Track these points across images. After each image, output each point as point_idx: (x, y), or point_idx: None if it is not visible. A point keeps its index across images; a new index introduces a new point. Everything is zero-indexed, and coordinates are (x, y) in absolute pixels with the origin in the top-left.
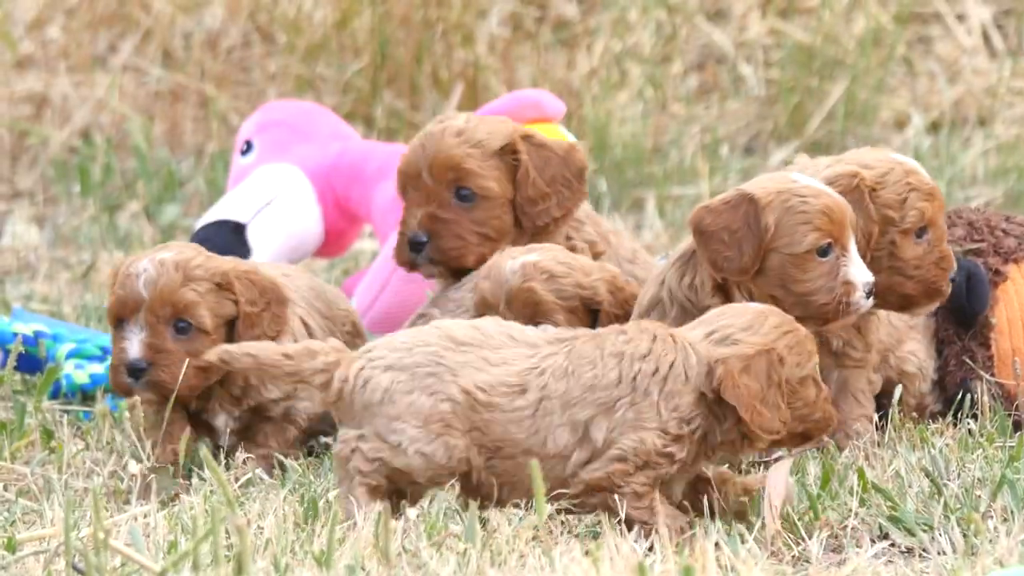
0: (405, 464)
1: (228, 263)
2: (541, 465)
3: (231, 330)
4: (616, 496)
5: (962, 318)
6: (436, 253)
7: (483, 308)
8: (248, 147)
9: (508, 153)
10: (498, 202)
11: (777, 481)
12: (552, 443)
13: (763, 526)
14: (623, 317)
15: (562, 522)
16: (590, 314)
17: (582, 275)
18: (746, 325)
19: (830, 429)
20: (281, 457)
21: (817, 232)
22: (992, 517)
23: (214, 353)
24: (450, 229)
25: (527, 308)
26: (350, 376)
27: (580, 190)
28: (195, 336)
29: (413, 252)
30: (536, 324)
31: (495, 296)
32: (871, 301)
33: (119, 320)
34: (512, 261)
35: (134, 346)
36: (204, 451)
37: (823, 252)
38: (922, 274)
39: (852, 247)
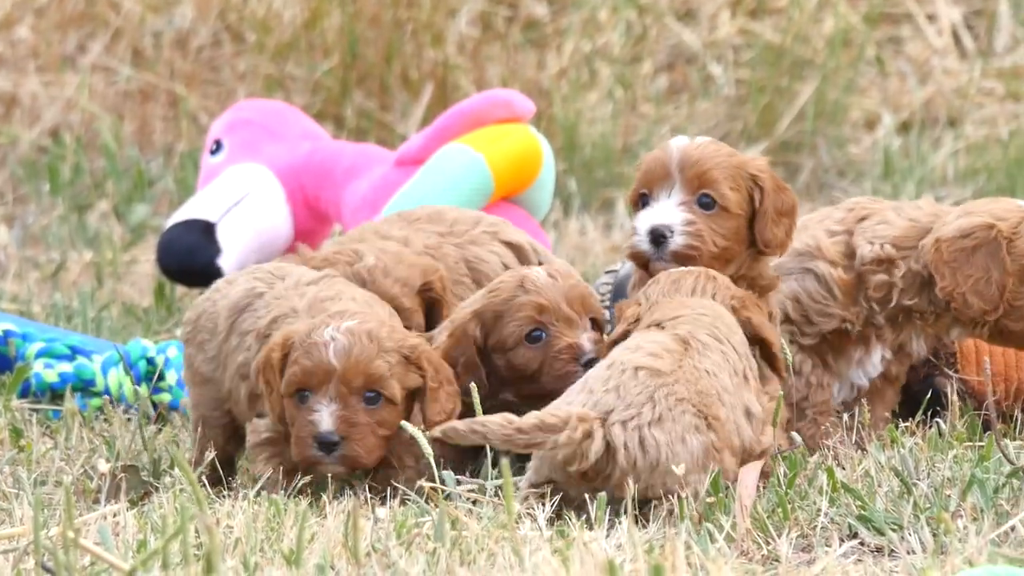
0: None
1: (414, 337)
2: None
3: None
4: None
5: None
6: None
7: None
8: (218, 146)
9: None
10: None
11: (748, 480)
12: None
13: (734, 525)
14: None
15: (532, 519)
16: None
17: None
18: None
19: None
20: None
21: None
22: (962, 516)
23: (442, 430)
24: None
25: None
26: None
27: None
28: (383, 407)
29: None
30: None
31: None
32: None
33: (303, 390)
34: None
35: (325, 419)
36: (175, 451)
37: None
38: None
39: None
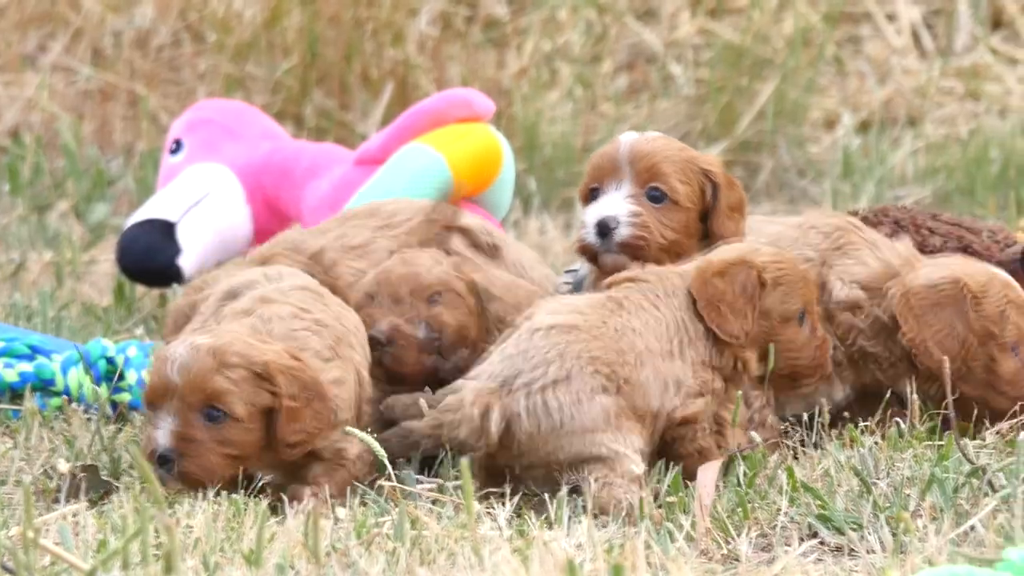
0: None
1: (271, 352)
2: None
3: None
4: None
5: None
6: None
7: None
8: (178, 146)
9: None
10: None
11: (707, 480)
12: None
13: (693, 524)
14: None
15: (491, 518)
16: None
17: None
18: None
19: (817, 376)
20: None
21: None
22: (921, 516)
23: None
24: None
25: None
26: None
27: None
28: (228, 425)
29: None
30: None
31: None
32: None
33: (151, 406)
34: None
35: (161, 435)
36: (135, 451)
37: None
38: (1016, 391)
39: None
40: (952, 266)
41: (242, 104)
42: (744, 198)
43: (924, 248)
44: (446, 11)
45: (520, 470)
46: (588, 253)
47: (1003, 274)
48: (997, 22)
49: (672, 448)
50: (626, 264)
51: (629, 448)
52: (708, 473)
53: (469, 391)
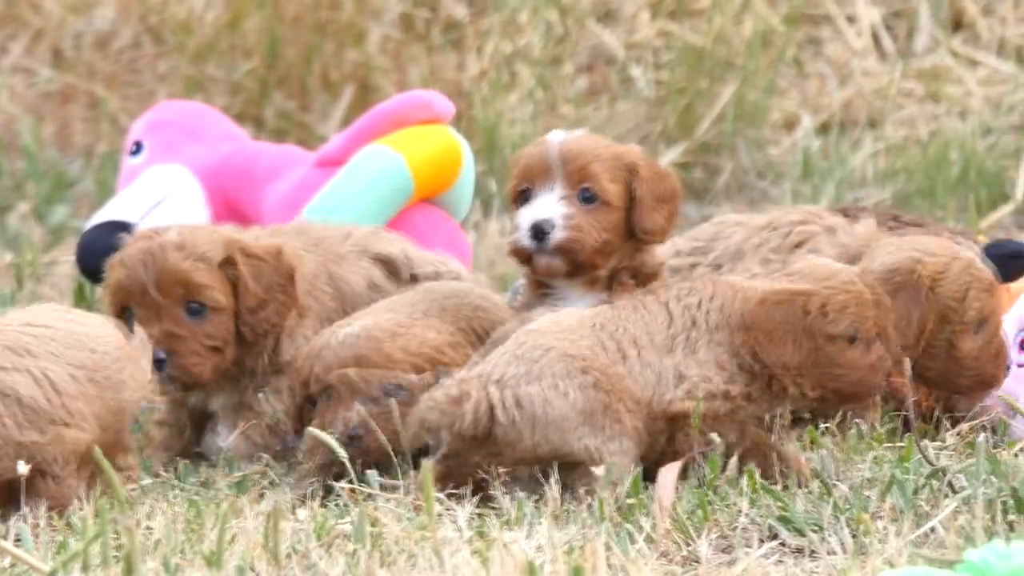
0: None
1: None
2: None
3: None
4: None
5: None
6: (176, 370)
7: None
8: (138, 148)
9: (228, 265)
10: (226, 314)
11: (667, 481)
12: None
13: (654, 526)
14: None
15: (452, 520)
16: None
17: None
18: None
19: (866, 400)
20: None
21: None
22: (881, 517)
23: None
24: (187, 345)
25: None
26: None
27: (293, 293)
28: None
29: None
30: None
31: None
32: None
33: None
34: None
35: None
36: (96, 450)
37: None
38: (979, 367)
39: None
40: (911, 248)
41: (202, 106)
42: (676, 189)
43: None
44: (406, 13)
45: (502, 467)
46: (522, 256)
47: (967, 253)
48: (958, 24)
49: (671, 443)
50: (560, 267)
51: (606, 447)
52: (668, 475)
53: (457, 377)
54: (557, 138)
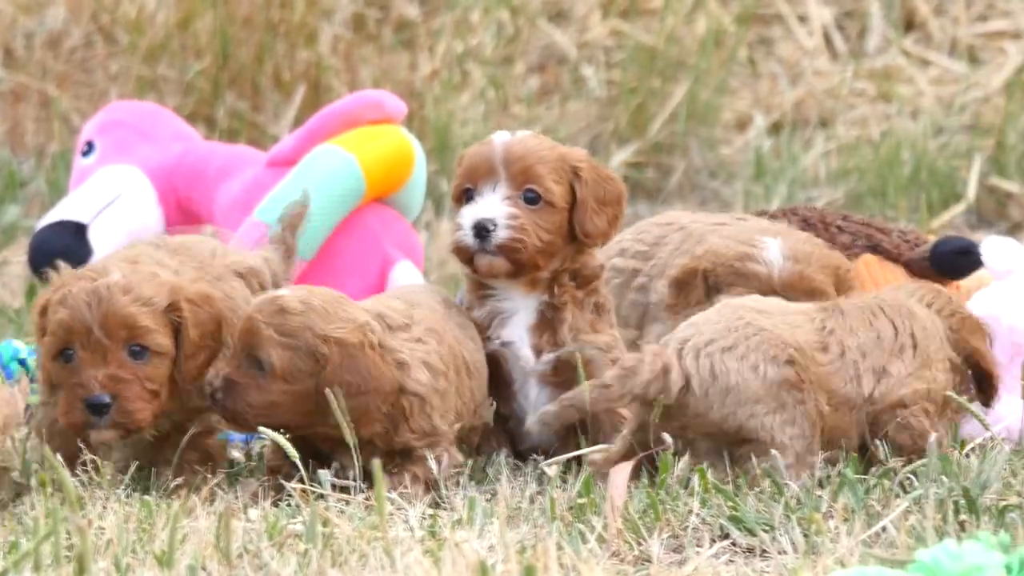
0: None
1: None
2: None
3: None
4: None
5: None
6: (121, 415)
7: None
8: (90, 148)
9: (172, 311)
10: (167, 358)
11: (619, 481)
12: None
13: (605, 526)
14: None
15: (403, 521)
16: None
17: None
18: None
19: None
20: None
21: None
22: (833, 517)
23: (539, 418)
24: (132, 389)
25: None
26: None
27: (222, 340)
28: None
29: (95, 415)
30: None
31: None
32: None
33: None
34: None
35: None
36: (46, 450)
37: None
38: None
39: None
40: (712, 243)
41: (154, 106)
42: (620, 193)
43: (833, 246)
44: (358, 13)
45: (693, 438)
46: (464, 255)
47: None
48: (909, 24)
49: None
50: (502, 266)
51: (786, 431)
52: (620, 474)
53: (648, 352)
54: (502, 138)
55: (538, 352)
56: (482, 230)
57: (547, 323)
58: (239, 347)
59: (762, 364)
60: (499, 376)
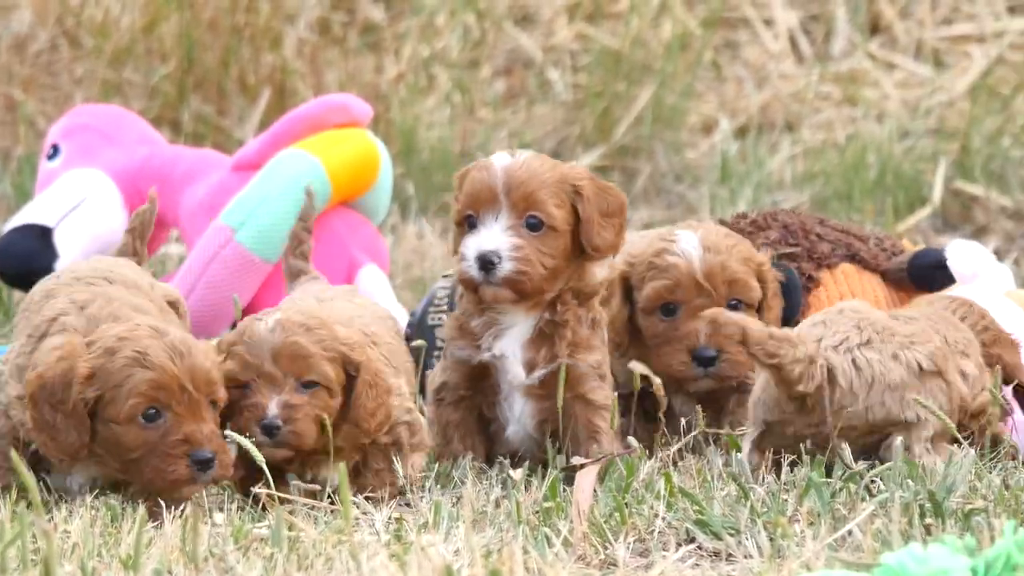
0: None
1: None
2: None
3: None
4: None
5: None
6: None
7: (245, 371)
8: (55, 151)
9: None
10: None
11: (585, 484)
12: None
13: (571, 529)
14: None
15: (369, 525)
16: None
17: (334, 329)
18: None
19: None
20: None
21: None
22: (799, 521)
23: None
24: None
25: (295, 362)
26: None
27: None
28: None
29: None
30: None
31: (257, 357)
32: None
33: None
34: (265, 320)
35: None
36: (12, 453)
37: None
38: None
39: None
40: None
41: (119, 109)
42: (622, 202)
43: (813, 255)
44: (324, 17)
45: (821, 437)
46: (469, 285)
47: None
48: (875, 28)
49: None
50: (508, 296)
51: (931, 410)
52: (586, 478)
53: (799, 335)
54: (502, 162)
55: (531, 367)
56: (487, 263)
57: (545, 338)
58: (282, 373)
59: (901, 352)
60: (487, 383)
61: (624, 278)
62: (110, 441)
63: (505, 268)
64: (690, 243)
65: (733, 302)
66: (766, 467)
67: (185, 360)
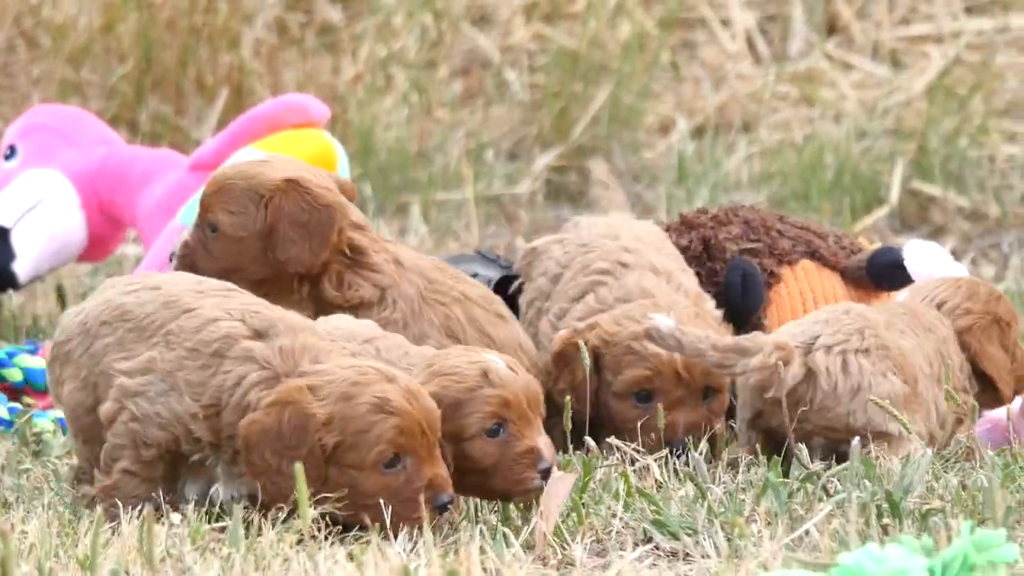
0: None
1: None
2: None
3: None
4: None
5: (735, 318)
6: None
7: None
8: (12, 152)
9: None
10: None
11: (560, 490)
12: None
13: (532, 532)
14: None
15: (327, 526)
16: None
17: None
18: None
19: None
20: None
21: None
22: (756, 521)
23: (648, 327)
24: None
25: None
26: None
27: None
28: None
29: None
30: None
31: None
32: None
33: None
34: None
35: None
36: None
37: None
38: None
39: None
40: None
41: (77, 109)
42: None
43: (774, 251)
44: (281, 17)
45: (802, 432)
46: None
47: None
48: (832, 28)
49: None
50: None
51: (915, 431)
52: (562, 485)
53: (769, 340)
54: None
55: None
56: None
57: None
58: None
59: (890, 373)
60: None
61: (594, 352)
62: (343, 486)
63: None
64: (667, 325)
65: (708, 388)
66: (762, 447)
67: (420, 402)
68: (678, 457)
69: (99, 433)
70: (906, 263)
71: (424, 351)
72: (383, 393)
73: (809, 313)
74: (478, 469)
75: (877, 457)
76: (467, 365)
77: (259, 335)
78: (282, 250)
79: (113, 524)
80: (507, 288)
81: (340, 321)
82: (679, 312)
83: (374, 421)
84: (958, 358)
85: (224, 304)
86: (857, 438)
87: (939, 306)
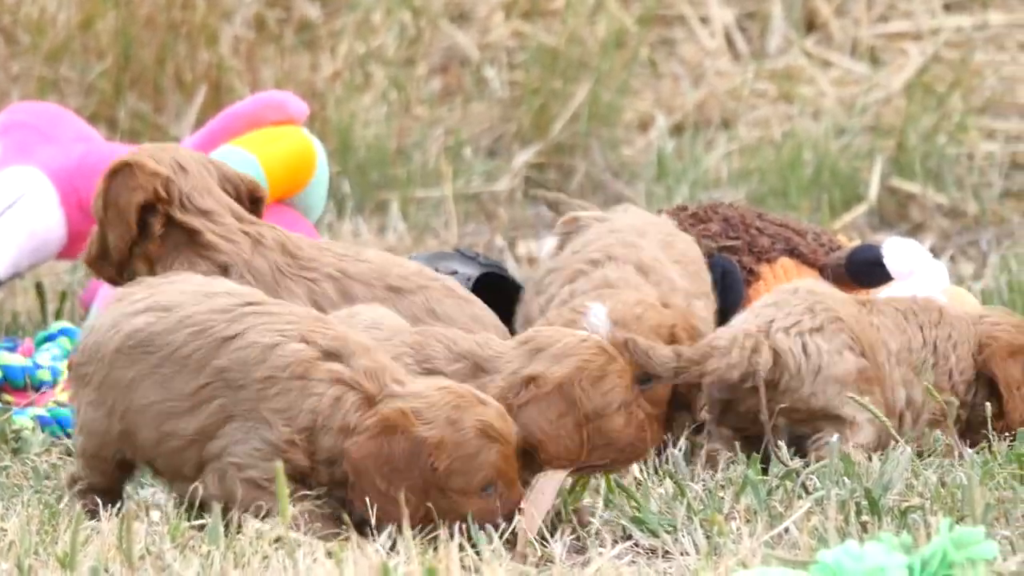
0: None
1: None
2: None
3: None
4: None
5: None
6: None
7: None
8: None
9: None
10: None
11: (548, 488)
12: None
13: (514, 530)
14: None
15: (306, 522)
16: None
17: None
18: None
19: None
20: None
21: None
22: (735, 518)
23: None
24: None
25: None
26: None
27: None
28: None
29: None
30: None
31: None
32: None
33: None
34: None
35: None
36: None
37: None
38: (635, 445)
39: None
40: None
41: (56, 107)
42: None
43: (753, 248)
44: (260, 14)
45: (772, 416)
46: None
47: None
48: (811, 25)
49: None
50: None
51: (865, 417)
52: (550, 482)
53: (734, 333)
54: None
55: None
56: None
57: None
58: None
59: (846, 350)
60: None
61: None
62: (444, 509)
63: None
64: (599, 317)
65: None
66: (734, 443)
67: (511, 426)
68: (657, 455)
69: (107, 453)
70: (885, 260)
71: (475, 338)
72: (484, 417)
73: (765, 297)
74: (606, 444)
75: (837, 439)
76: (577, 343)
77: (331, 355)
78: (110, 234)
79: (92, 522)
80: (487, 285)
81: (374, 312)
82: (619, 306)
83: (480, 447)
84: (961, 363)
85: (262, 324)
86: (836, 435)
87: (980, 317)
